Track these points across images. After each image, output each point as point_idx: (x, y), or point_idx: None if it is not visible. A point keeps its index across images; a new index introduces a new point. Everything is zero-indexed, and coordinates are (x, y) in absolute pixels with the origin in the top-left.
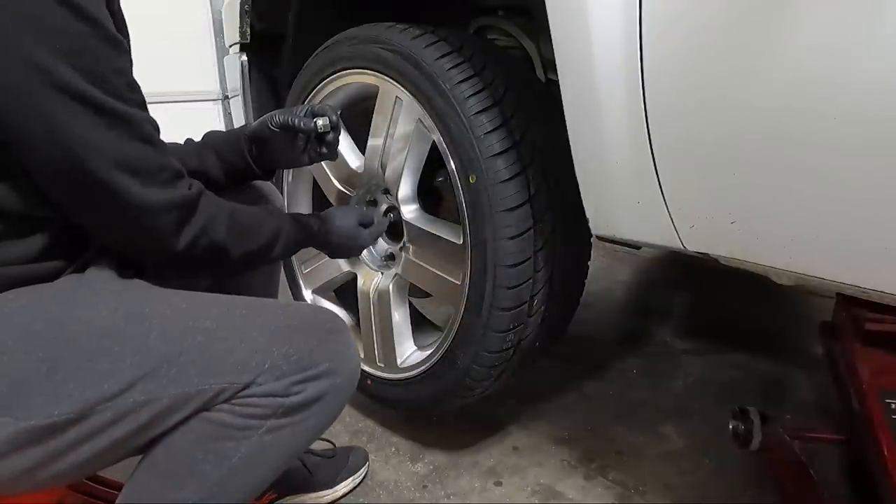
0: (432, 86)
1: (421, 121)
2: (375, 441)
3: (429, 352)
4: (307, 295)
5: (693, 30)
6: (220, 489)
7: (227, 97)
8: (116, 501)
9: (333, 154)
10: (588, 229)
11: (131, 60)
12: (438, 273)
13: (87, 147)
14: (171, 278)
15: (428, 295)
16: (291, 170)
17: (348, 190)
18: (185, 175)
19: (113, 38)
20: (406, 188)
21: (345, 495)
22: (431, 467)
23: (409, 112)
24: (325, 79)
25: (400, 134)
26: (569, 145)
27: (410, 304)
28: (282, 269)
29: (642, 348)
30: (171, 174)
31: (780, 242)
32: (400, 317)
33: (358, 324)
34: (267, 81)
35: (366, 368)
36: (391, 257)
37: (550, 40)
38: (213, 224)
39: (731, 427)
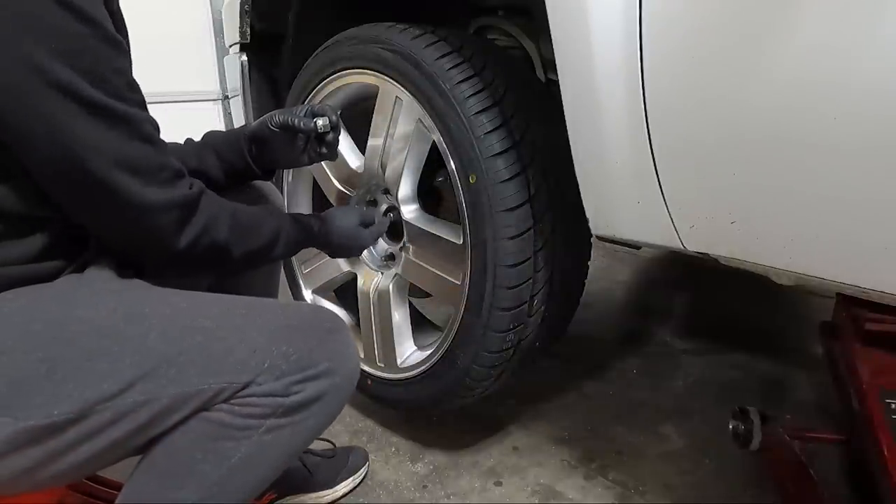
0: (432, 86)
1: (421, 121)
2: (375, 441)
3: (429, 352)
4: (307, 295)
5: (693, 30)
6: (220, 489)
7: (227, 97)
8: (116, 501)
9: (333, 154)
10: (588, 229)
11: (130, 60)
12: (438, 273)
13: (86, 147)
14: (170, 277)
15: (428, 295)
16: (291, 170)
17: (348, 190)
18: (185, 174)
19: (112, 38)
20: (406, 188)
21: (345, 495)
22: (431, 467)
23: (409, 112)
24: (325, 79)
25: (400, 134)
26: (569, 145)
27: (410, 304)
28: (282, 269)
29: (642, 348)
30: (171, 174)
31: (780, 242)
32: (400, 317)
33: (358, 324)
34: (267, 81)
35: (366, 368)
36: (391, 257)
37: (550, 40)
38: (215, 223)
39: (731, 427)
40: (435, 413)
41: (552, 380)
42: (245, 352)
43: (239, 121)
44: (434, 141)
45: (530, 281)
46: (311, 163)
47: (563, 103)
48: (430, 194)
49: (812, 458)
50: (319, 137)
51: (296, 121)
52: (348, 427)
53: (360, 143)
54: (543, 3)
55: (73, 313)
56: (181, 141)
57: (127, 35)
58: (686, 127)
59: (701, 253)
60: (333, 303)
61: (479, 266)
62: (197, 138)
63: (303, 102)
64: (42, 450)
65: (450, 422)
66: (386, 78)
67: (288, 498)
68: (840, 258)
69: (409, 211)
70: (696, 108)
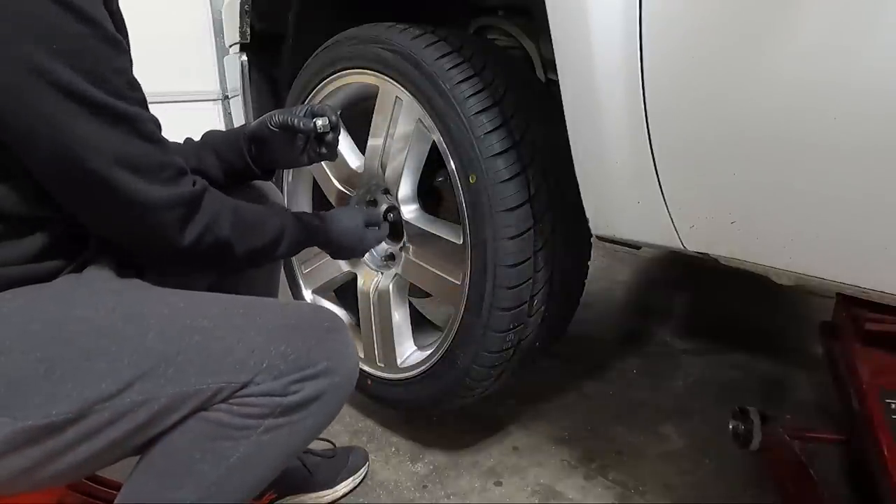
0: (432, 86)
1: (421, 121)
2: (375, 441)
3: (429, 352)
4: (307, 295)
5: (693, 30)
6: (219, 489)
7: (227, 97)
8: (115, 501)
9: (333, 154)
10: (588, 229)
11: (131, 59)
12: (438, 273)
13: (87, 146)
14: (170, 275)
15: (428, 295)
16: (291, 170)
17: (348, 190)
18: (188, 172)
19: (112, 37)
20: (406, 188)
21: (345, 495)
22: (431, 467)
23: (409, 112)
24: (325, 79)
25: (400, 134)
26: (569, 145)
27: (410, 304)
28: (282, 269)
29: (642, 348)
30: (174, 171)
31: (780, 242)
32: (400, 317)
33: (358, 324)
34: (267, 81)
35: (366, 368)
36: (391, 257)
37: (550, 40)
38: (218, 220)
39: (731, 427)
40: (435, 413)
41: (552, 380)
42: (243, 351)
43: (239, 121)
44: (434, 141)
45: (530, 281)
46: (310, 163)
47: (563, 103)
48: (430, 194)
49: (812, 458)
50: (319, 137)
51: (295, 121)
52: (348, 427)
53: (360, 143)
54: (543, 3)
55: (72, 313)
56: (181, 141)
57: (127, 34)
58: (686, 127)
59: (701, 253)
60: (333, 303)
61: (479, 266)
62: (197, 138)
63: (303, 102)
64: (41, 450)
65: (450, 422)
66: (386, 78)
67: (288, 498)
68: (840, 258)
69: (409, 211)
70: (696, 108)
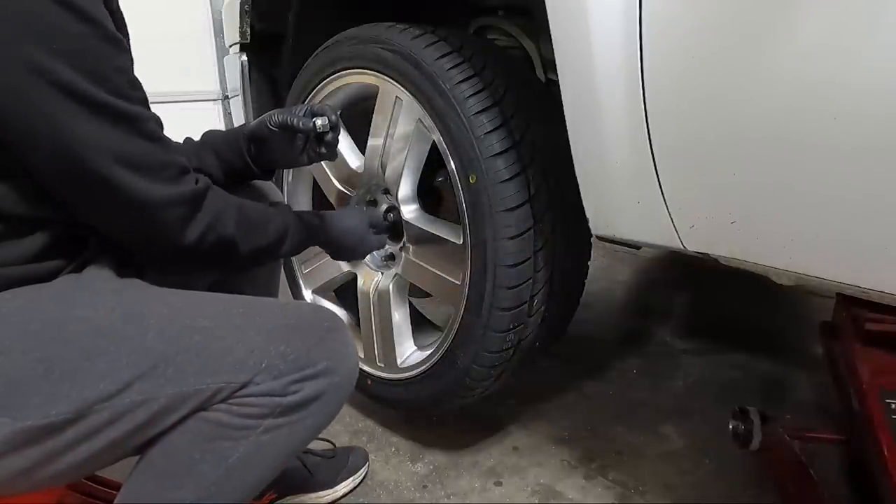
0: (432, 86)
1: (421, 121)
2: (375, 441)
3: (429, 352)
4: (307, 295)
5: (693, 30)
6: (218, 489)
7: (227, 97)
8: (115, 502)
9: (333, 154)
10: (588, 229)
11: (132, 58)
12: (438, 273)
13: (88, 146)
14: (175, 273)
15: (428, 295)
16: (291, 170)
17: (348, 190)
18: (190, 170)
19: (112, 36)
20: (406, 188)
21: (345, 495)
22: (431, 467)
23: (409, 112)
24: (325, 79)
25: (400, 134)
26: (569, 145)
27: (410, 304)
28: (282, 269)
29: (642, 348)
30: (176, 170)
31: (780, 242)
32: (400, 317)
33: (358, 324)
34: (267, 81)
35: (366, 368)
36: (391, 257)
37: (550, 40)
38: (221, 219)
39: (731, 427)
40: (435, 413)
41: (552, 380)
42: (243, 351)
43: (239, 121)
44: (434, 141)
45: (530, 281)
46: (310, 163)
47: (563, 103)
48: (430, 194)
49: (812, 458)
50: (319, 137)
51: (294, 120)
52: (348, 427)
53: (360, 143)
54: (543, 3)
55: (72, 313)
56: (181, 141)
57: (127, 33)
58: (686, 127)
59: (701, 253)
60: (333, 303)
61: (479, 266)
62: (196, 138)
63: (303, 102)
64: (40, 450)
65: (450, 422)
66: (386, 78)
67: (288, 498)
68: (840, 258)
69: (409, 211)
70: (696, 108)
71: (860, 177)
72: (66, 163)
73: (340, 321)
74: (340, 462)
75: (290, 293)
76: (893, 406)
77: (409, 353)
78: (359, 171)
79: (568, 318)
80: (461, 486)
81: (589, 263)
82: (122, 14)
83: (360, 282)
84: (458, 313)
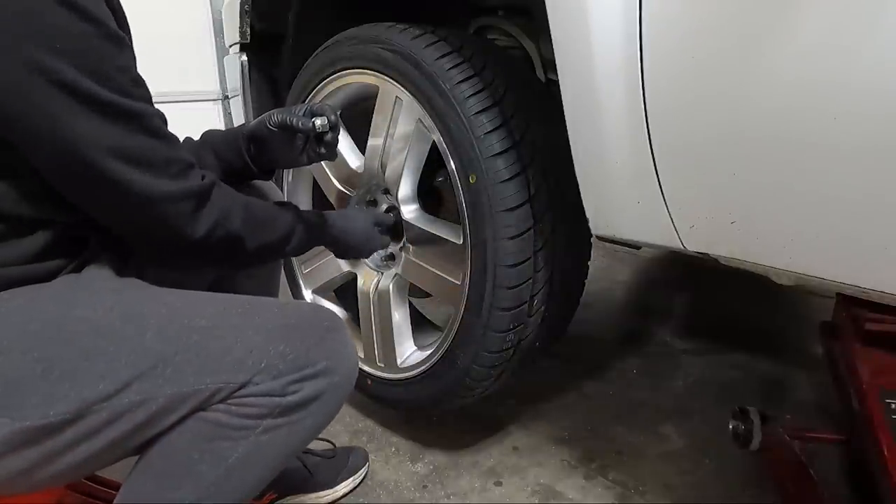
0: (432, 86)
1: (421, 121)
2: (375, 441)
3: (429, 352)
4: (307, 295)
5: (693, 30)
6: (217, 489)
7: (227, 97)
8: (114, 502)
9: (332, 154)
10: (588, 229)
11: (134, 56)
12: (438, 273)
13: (91, 144)
14: (180, 269)
15: (428, 295)
16: (291, 169)
17: (348, 190)
18: (195, 166)
19: (115, 35)
20: (406, 188)
21: (345, 495)
22: (431, 467)
23: (409, 112)
24: (325, 79)
25: (400, 134)
26: (569, 145)
27: (410, 304)
28: (282, 269)
29: (642, 348)
30: (182, 166)
31: (780, 242)
32: (400, 317)
33: (358, 324)
34: (267, 81)
35: (366, 368)
36: (391, 257)
37: (550, 40)
38: (228, 216)
39: (731, 427)
40: (435, 413)
41: (552, 380)
42: (242, 351)
43: (239, 121)
44: (434, 141)
45: (530, 281)
46: (310, 163)
47: (563, 103)
48: (430, 194)
49: (812, 458)
50: (318, 137)
51: (294, 120)
52: (348, 427)
53: (360, 143)
54: (543, 3)
55: (71, 313)
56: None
57: (129, 31)
58: (686, 127)
59: (701, 253)
60: (333, 303)
61: (479, 266)
62: (196, 138)
63: (303, 102)
64: (39, 450)
65: (450, 422)
66: (386, 78)
67: (288, 498)
68: (840, 258)
69: (409, 211)
70: (695, 108)
71: (860, 177)
72: (72, 162)
73: (340, 321)
74: (340, 462)
75: (290, 293)
76: (893, 406)
77: (409, 353)
78: (359, 171)
79: (568, 318)
80: (461, 486)
81: (589, 263)
82: (123, 12)
83: (360, 282)
84: (458, 313)
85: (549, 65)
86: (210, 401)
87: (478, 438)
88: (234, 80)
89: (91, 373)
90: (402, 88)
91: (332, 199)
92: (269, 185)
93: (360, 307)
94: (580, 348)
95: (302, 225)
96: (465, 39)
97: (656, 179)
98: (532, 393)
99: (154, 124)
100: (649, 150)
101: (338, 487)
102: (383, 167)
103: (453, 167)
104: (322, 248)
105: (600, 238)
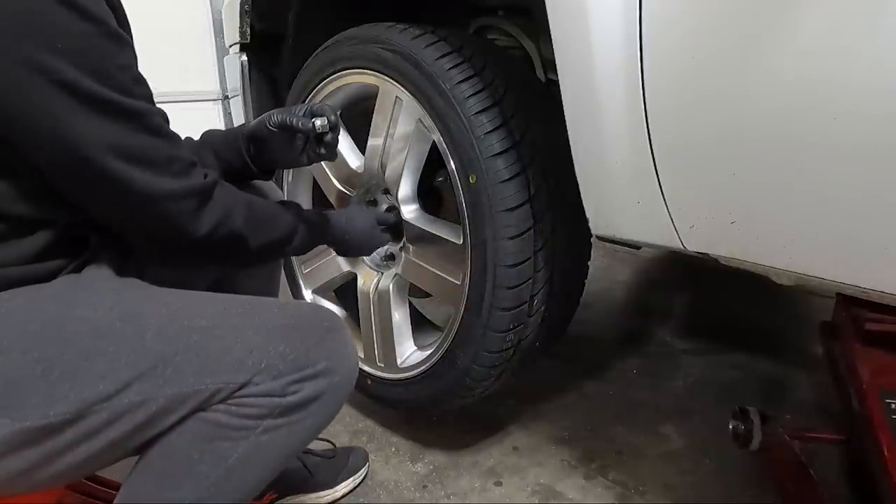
0: (432, 86)
1: (421, 121)
2: (375, 441)
3: (429, 352)
4: (307, 295)
5: (693, 30)
6: (217, 489)
7: (227, 97)
8: (114, 502)
9: (332, 155)
10: (588, 229)
11: (135, 55)
12: (438, 273)
13: (92, 143)
14: (174, 268)
15: (428, 295)
16: (291, 169)
17: (348, 190)
18: (197, 164)
19: (115, 33)
20: (406, 188)
21: (345, 495)
22: (431, 467)
23: (409, 112)
24: (325, 79)
25: (400, 134)
26: (569, 145)
27: (410, 304)
28: (282, 269)
29: (642, 348)
30: (184, 164)
31: (780, 242)
32: (400, 317)
33: (358, 324)
34: (267, 81)
35: (366, 368)
36: (391, 257)
37: (550, 40)
38: (231, 213)
39: (731, 427)
40: (435, 413)
41: (552, 380)
42: (242, 351)
43: (239, 121)
44: (434, 141)
45: (530, 281)
46: (310, 163)
47: (563, 103)
48: (430, 194)
49: (812, 458)
50: (318, 138)
51: (294, 120)
52: (348, 427)
53: (360, 143)
54: (543, 3)
55: (71, 313)
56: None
57: (130, 30)
58: (686, 127)
59: (701, 253)
60: (333, 303)
61: (479, 266)
62: (196, 138)
63: (303, 102)
64: (39, 451)
65: (450, 422)
66: (386, 78)
67: (288, 498)
68: (840, 258)
69: (409, 211)
70: (695, 108)
71: (860, 177)
72: (72, 160)
73: (340, 321)
74: (340, 462)
75: (290, 293)
76: (893, 406)
77: (409, 353)
78: (359, 171)
79: (568, 318)
80: (461, 486)
81: (589, 263)
82: (124, 11)
83: (360, 282)
84: (458, 313)
85: (549, 65)
86: (210, 401)
87: (478, 438)
88: (234, 80)
89: (91, 373)
90: (402, 88)
91: (332, 199)
92: (269, 185)
93: (360, 307)
94: (580, 348)
95: (304, 224)
96: (465, 39)
97: (656, 179)
98: (532, 393)
99: (155, 123)
100: (649, 150)
101: (338, 487)
102: (383, 167)
103: (453, 167)
104: (322, 248)
105: (600, 238)
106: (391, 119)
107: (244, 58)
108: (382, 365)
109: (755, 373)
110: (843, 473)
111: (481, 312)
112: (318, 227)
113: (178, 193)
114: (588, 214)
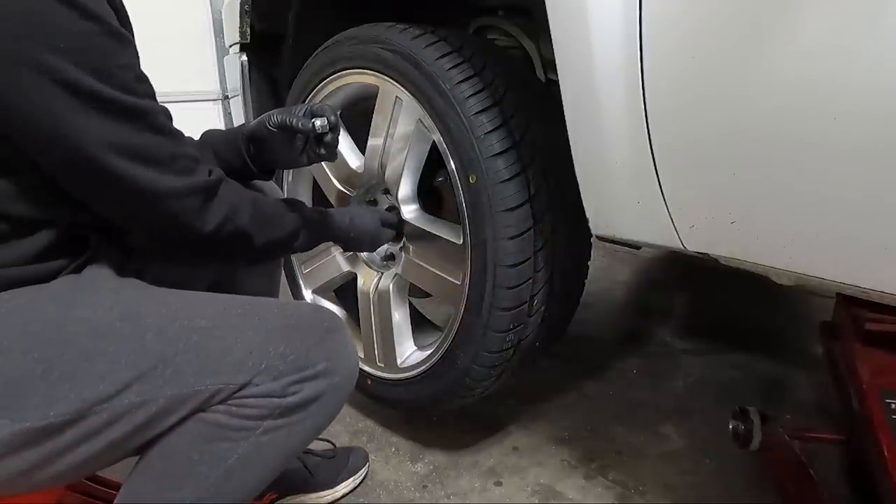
0: (432, 86)
1: (421, 121)
2: (375, 441)
3: (429, 352)
4: (307, 295)
5: (693, 30)
6: (217, 490)
7: (227, 97)
8: (114, 502)
9: (332, 155)
10: (588, 229)
11: (137, 54)
12: (438, 273)
13: (98, 143)
14: (179, 264)
15: (428, 295)
16: (291, 169)
17: (348, 190)
18: (201, 161)
19: (117, 32)
20: (406, 188)
21: (345, 495)
22: (431, 467)
23: (409, 112)
24: (325, 79)
25: (400, 134)
26: (569, 145)
27: (410, 304)
28: (282, 269)
29: (642, 348)
30: (188, 161)
31: (780, 242)
32: (400, 317)
33: (358, 324)
34: (267, 81)
35: (366, 368)
36: (391, 257)
37: (550, 40)
38: (237, 211)
39: (731, 427)
40: (435, 413)
41: (552, 380)
42: (242, 352)
43: (239, 121)
44: (434, 141)
45: (530, 281)
46: (310, 163)
47: (563, 103)
48: (430, 194)
49: (812, 458)
50: (318, 138)
51: (294, 121)
52: (348, 427)
53: (360, 143)
54: (543, 3)
55: (71, 313)
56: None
57: (131, 29)
58: (686, 127)
59: (701, 253)
60: (333, 303)
61: (479, 266)
62: (196, 138)
63: (303, 102)
64: (39, 452)
65: (450, 422)
66: (386, 78)
67: (288, 498)
68: (840, 258)
69: (409, 211)
70: (695, 108)
71: (860, 177)
72: (75, 159)
73: (340, 321)
74: (340, 462)
75: (290, 293)
76: (893, 406)
77: (409, 353)
78: (359, 171)
79: (568, 318)
80: (461, 486)
81: (589, 263)
82: (125, 11)
83: (360, 282)
84: (458, 313)
85: (549, 65)
86: (210, 402)
87: (478, 438)
88: (234, 80)
89: (91, 374)
90: (402, 88)
91: (332, 199)
92: (269, 185)
93: (360, 307)
94: (580, 348)
95: (310, 221)
96: (465, 39)
97: (656, 179)
98: (532, 393)
99: (159, 121)
100: (649, 150)
101: (338, 488)
102: (383, 167)
103: (453, 167)
104: (322, 248)
105: (600, 238)
106: (391, 119)
107: (244, 58)
108: (382, 365)
109: (755, 373)
110: (843, 473)
111: (481, 312)
112: (323, 224)
113: (182, 191)
114: (588, 214)
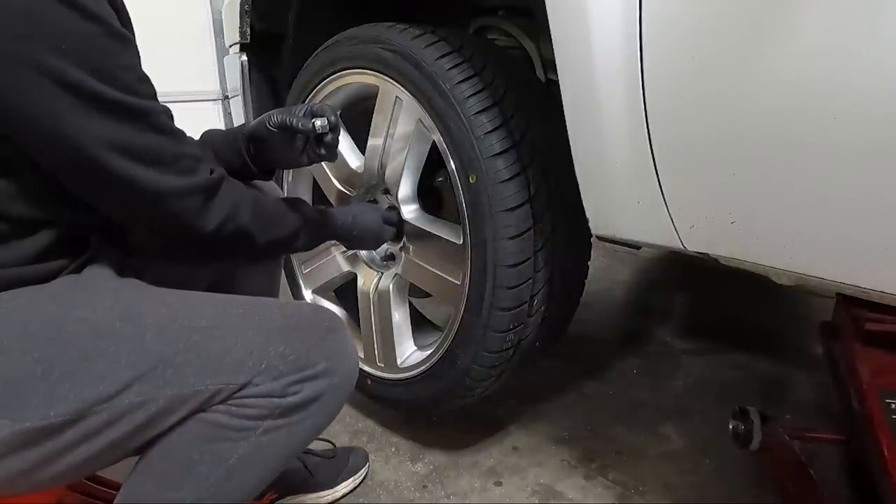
0: (432, 86)
1: (421, 121)
2: (375, 441)
3: (429, 352)
4: (307, 295)
5: (693, 30)
6: (218, 490)
7: (227, 97)
8: (114, 502)
9: (332, 155)
10: (588, 229)
11: (139, 54)
12: (438, 273)
13: (97, 143)
14: (180, 263)
15: (428, 295)
16: (291, 169)
17: (348, 190)
18: (203, 161)
19: (118, 33)
20: (406, 188)
21: (345, 495)
22: (431, 467)
23: (409, 112)
24: (325, 79)
25: (400, 134)
26: (569, 145)
27: (410, 304)
28: (282, 269)
29: (642, 348)
30: (190, 161)
31: (780, 242)
32: (400, 317)
33: (358, 324)
34: (267, 81)
35: (366, 368)
36: (391, 257)
37: (550, 40)
38: (238, 209)
39: (731, 427)
40: (435, 413)
41: (552, 380)
42: (242, 352)
43: (239, 121)
44: (434, 141)
45: (530, 281)
46: (310, 163)
47: (563, 103)
48: (430, 194)
49: (812, 458)
50: (318, 138)
51: (294, 121)
52: (348, 427)
53: (360, 143)
54: (543, 3)
55: (71, 314)
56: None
57: (133, 29)
58: (686, 127)
59: (701, 253)
60: (333, 303)
61: (479, 266)
62: (196, 138)
63: (303, 102)
64: (39, 452)
65: (450, 422)
66: (386, 78)
67: (288, 498)
68: (840, 258)
69: (409, 211)
70: (695, 108)
71: (860, 177)
72: (76, 159)
73: (340, 321)
74: (341, 462)
75: (290, 293)
76: (893, 406)
77: (409, 353)
78: (359, 171)
79: (568, 318)
80: (461, 486)
81: (589, 263)
82: (126, 11)
83: (360, 282)
84: (458, 313)
85: (549, 65)
86: (210, 402)
87: (478, 438)
88: (234, 80)
89: (91, 374)
90: (402, 88)
91: (332, 199)
92: (269, 185)
93: (360, 307)
94: (580, 348)
95: (312, 220)
96: (465, 39)
97: (656, 179)
98: (532, 393)
99: (161, 121)
100: (649, 150)
101: (338, 487)
102: (383, 167)
103: (453, 167)
104: (322, 248)
105: (600, 238)
106: (391, 119)
107: (244, 58)
108: (382, 365)
109: (755, 373)
110: (843, 473)
111: (481, 312)
112: (324, 222)
113: (184, 190)
114: (588, 214)
